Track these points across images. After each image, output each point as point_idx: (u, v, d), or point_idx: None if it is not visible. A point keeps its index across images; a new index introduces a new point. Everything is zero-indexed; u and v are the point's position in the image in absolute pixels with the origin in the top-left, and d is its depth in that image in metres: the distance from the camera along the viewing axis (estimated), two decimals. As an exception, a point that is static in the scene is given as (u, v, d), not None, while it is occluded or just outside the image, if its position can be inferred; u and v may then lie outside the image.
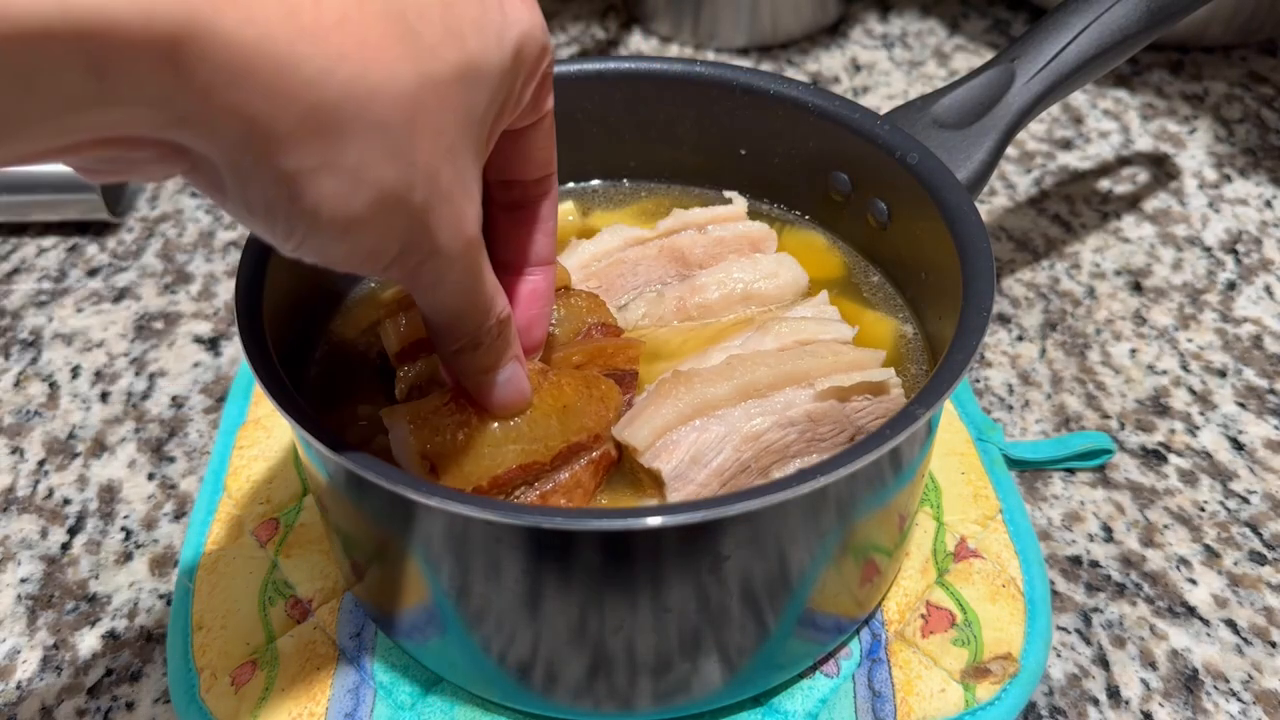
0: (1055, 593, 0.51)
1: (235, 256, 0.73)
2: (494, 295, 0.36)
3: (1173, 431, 0.59)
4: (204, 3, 0.22)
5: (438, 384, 0.45)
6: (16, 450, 0.60)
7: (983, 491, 0.54)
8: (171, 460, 0.59)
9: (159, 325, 0.68)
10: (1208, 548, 0.53)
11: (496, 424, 0.40)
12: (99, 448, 0.60)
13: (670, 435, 0.42)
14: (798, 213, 0.57)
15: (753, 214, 0.55)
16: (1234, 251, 0.71)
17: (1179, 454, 0.58)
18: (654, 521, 0.35)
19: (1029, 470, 0.57)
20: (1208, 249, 0.71)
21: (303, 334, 0.50)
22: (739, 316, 0.51)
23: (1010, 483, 0.54)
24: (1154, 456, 0.58)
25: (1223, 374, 0.62)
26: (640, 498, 0.43)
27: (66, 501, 0.57)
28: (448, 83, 0.28)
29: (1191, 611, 0.51)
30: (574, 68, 0.55)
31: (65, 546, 0.55)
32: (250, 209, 0.27)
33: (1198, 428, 0.59)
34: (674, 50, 0.94)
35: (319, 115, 0.25)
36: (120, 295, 0.70)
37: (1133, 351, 0.64)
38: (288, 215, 0.27)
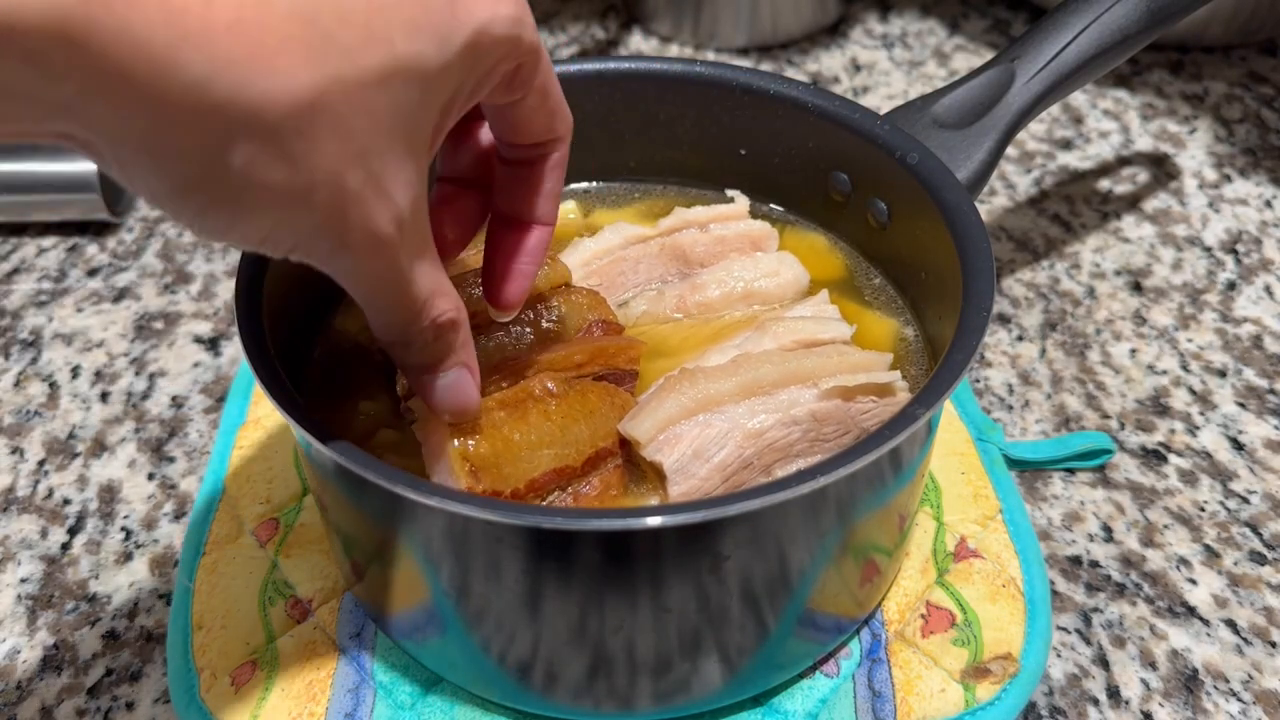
0: (1055, 593, 0.51)
1: (235, 256, 0.73)
2: (428, 298, 0.34)
3: (1173, 431, 0.59)
4: (92, 3, 0.22)
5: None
6: (16, 450, 0.60)
7: (983, 491, 0.54)
8: (171, 460, 0.59)
9: (159, 325, 0.68)
10: (1208, 548, 0.53)
11: (532, 429, 0.41)
12: (99, 448, 0.60)
13: (673, 429, 0.42)
14: (798, 213, 0.57)
15: (753, 214, 0.55)
16: (1234, 251, 0.71)
17: (1179, 454, 0.58)
18: (654, 521, 0.35)
19: (1029, 470, 0.57)
20: (1208, 249, 0.71)
21: (303, 333, 0.50)
22: (739, 315, 0.51)
23: (1010, 483, 0.54)
24: (1154, 456, 0.58)
25: (1223, 374, 0.62)
26: (644, 491, 0.44)
27: (66, 501, 0.57)
28: (364, 85, 0.28)
29: (1191, 611, 0.51)
30: (574, 68, 0.55)
31: (65, 546, 0.55)
32: (138, 191, 0.28)
33: (1198, 428, 0.59)
34: (674, 50, 0.94)
35: (201, 120, 0.25)
36: (120, 295, 0.70)
37: (1133, 351, 0.64)
38: (174, 206, 0.28)
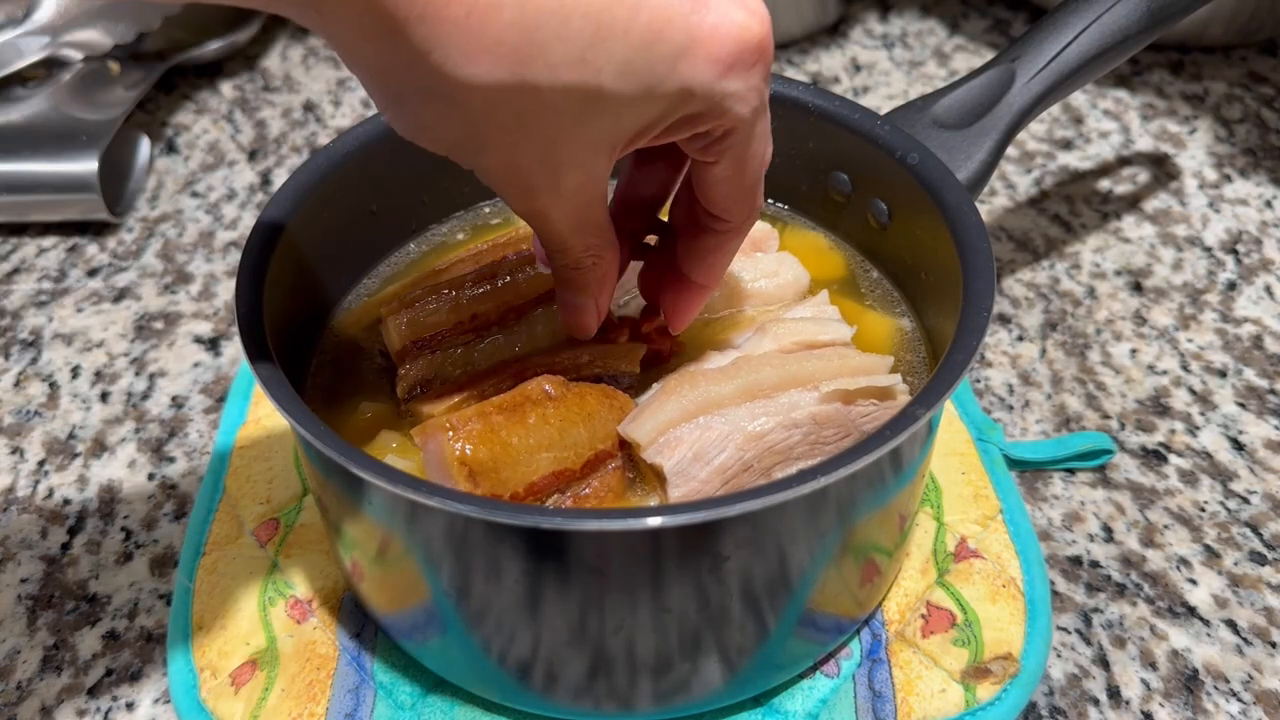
0: (1055, 593, 0.51)
1: (235, 256, 0.73)
2: (573, 247, 0.39)
3: (1173, 432, 0.59)
4: None
5: (439, 382, 0.46)
6: (16, 450, 0.60)
7: (983, 491, 0.54)
8: (171, 460, 0.59)
9: (159, 325, 0.68)
10: (1208, 548, 0.53)
11: (530, 433, 0.41)
12: (99, 448, 0.60)
13: (673, 432, 0.42)
14: (798, 213, 0.57)
15: (753, 214, 0.55)
16: (1234, 251, 0.71)
17: (1179, 454, 0.58)
18: (654, 522, 0.35)
19: (1029, 470, 0.57)
20: (1208, 249, 0.71)
21: (303, 333, 0.50)
22: (739, 315, 0.51)
23: (1010, 483, 0.54)
24: (1154, 457, 0.58)
25: (1223, 374, 0.62)
26: (643, 494, 0.44)
27: (66, 501, 0.57)
28: (556, 92, 0.31)
29: (1192, 612, 0.51)
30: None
31: (65, 546, 0.55)
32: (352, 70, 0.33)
33: (1198, 428, 0.59)
34: (674, 50, 0.94)
35: (409, 75, 0.31)
36: (120, 295, 0.70)
37: (1133, 351, 0.64)
38: (375, 101, 0.34)
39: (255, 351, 0.40)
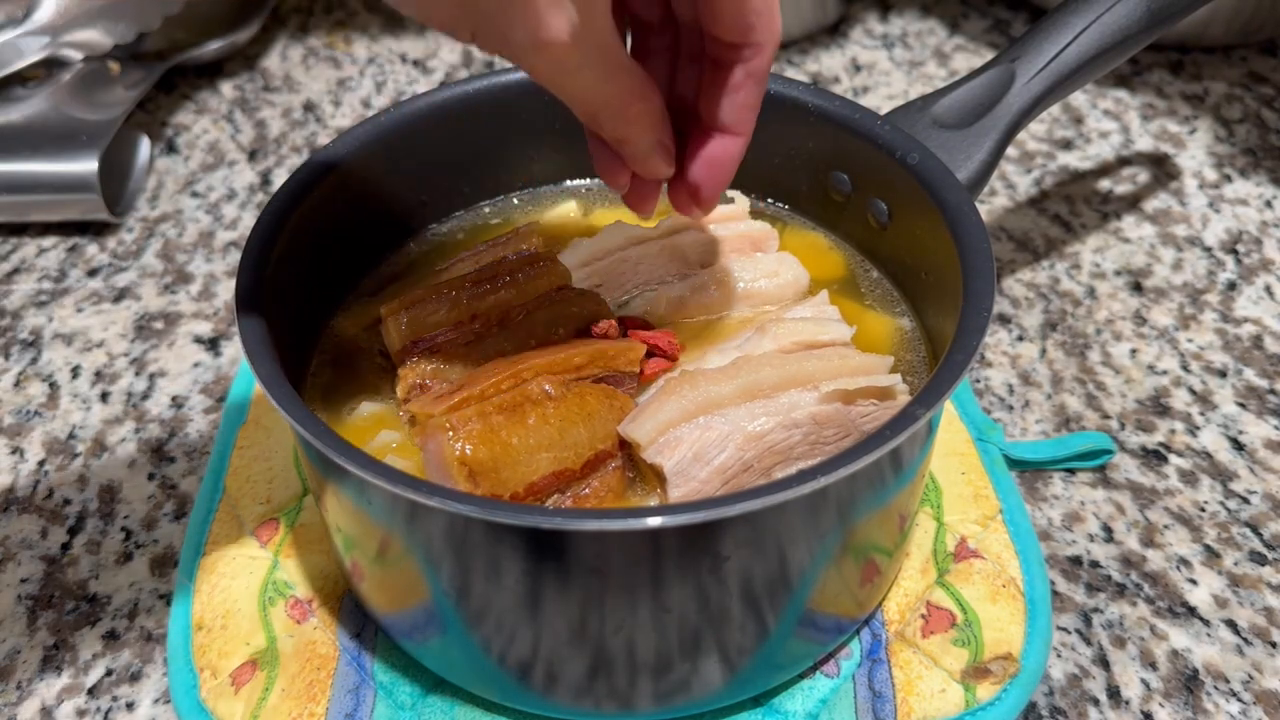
0: (1055, 593, 0.51)
1: (235, 256, 0.73)
2: (607, 95, 0.37)
3: (1173, 432, 0.59)
4: None
5: (439, 382, 0.46)
6: (16, 450, 0.60)
7: (983, 491, 0.54)
8: (171, 460, 0.59)
9: (159, 325, 0.68)
10: (1208, 548, 0.53)
11: (530, 433, 0.41)
12: (99, 448, 0.60)
13: (673, 432, 0.42)
14: (798, 213, 0.57)
15: (753, 213, 0.55)
16: (1234, 251, 0.71)
17: (1179, 454, 0.58)
18: (654, 521, 0.35)
19: (1029, 470, 0.57)
20: (1208, 249, 0.71)
21: (303, 333, 0.50)
22: (739, 315, 0.51)
23: (1010, 483, 0.54)
24: (1154, 457, 0.58)
25: (1223, 374, 0.62)
26: (643, 493, 0.44)
27: (66, 501, 0.57)
28: None
29: (1192, 612, 0.51)
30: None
31: (65, 546, 0.55)
32: None
33: (1198, 428, 0.59)
34: (674, 50, 0.94)
35: None
36: (120, 295, 0.70)
37: (1133, 351, 0.64)
38: None
39: (255, 351, 0.40)
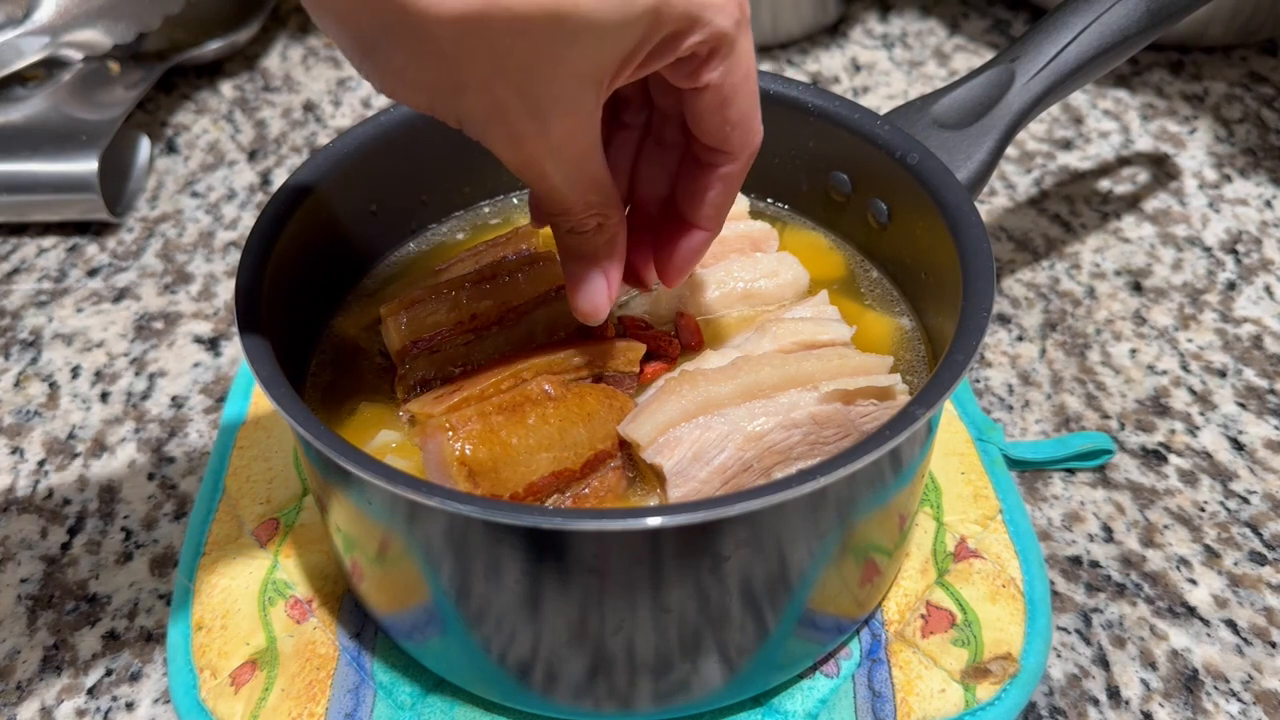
0: (1055, 593, 0.51)
1: (235, 256, 0.73)
2: (570, 202, 0.37)
3: (1173, 431, 0.59)
4: None
5: (439, 382, 0.46)
6: (16, 450, 0.60)
7: (983, 491, 0.54)
8: (171, 460, 0.59)
9: (159, 325, 0.68)
10: (1208, 548, 0.53)
11: (530, 433, 0.41)
12: (99, 448, 0.60)
13: (673, 432, 0.42)
14: (798, 213, 0.57)
15: (753, 213, 0.55)
16: (1234, 251, 0.71)
17: (1179, 454, 0.58)
18: (654, 521, 0.35)
19: (1029, 470, 0.57)
20: (1208, 249, 0.71)
21: (303, 333, 0.50)
22: (739, 315, 0.51)
23: (1010, 483, 0.54)
24: (1154, 457, 0.58)
25: (1223, 374, 0.62)
26: (643, 494, 0.44)
27: (66, 501, 0.57)
28: (531, 19, 0.30)
29: (1191, 612, 0.51)
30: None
31: (65, 546, 0.55)
32: (323, 31, 0.33)
33: (1198, 428, 0.59)
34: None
35: (377, 12, 0.30)
36: (120, 295, 0.70)
37: (1133, 351, 0.64)
38: (350, 59, 0.33)
39: (255, 351, 0.40)
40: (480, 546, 0.38)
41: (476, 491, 0.40)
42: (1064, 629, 0.50)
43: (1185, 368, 0.63)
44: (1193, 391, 0.61)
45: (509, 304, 0.47)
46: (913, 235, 0.50)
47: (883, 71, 0.90)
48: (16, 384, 0.64)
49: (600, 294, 0.41)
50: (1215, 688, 0.48)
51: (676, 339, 0.49)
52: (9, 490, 0.58)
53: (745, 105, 0.37)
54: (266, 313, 0.43)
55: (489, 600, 0.40)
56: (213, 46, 0.90)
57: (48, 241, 0.75)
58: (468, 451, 0.40)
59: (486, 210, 0.58)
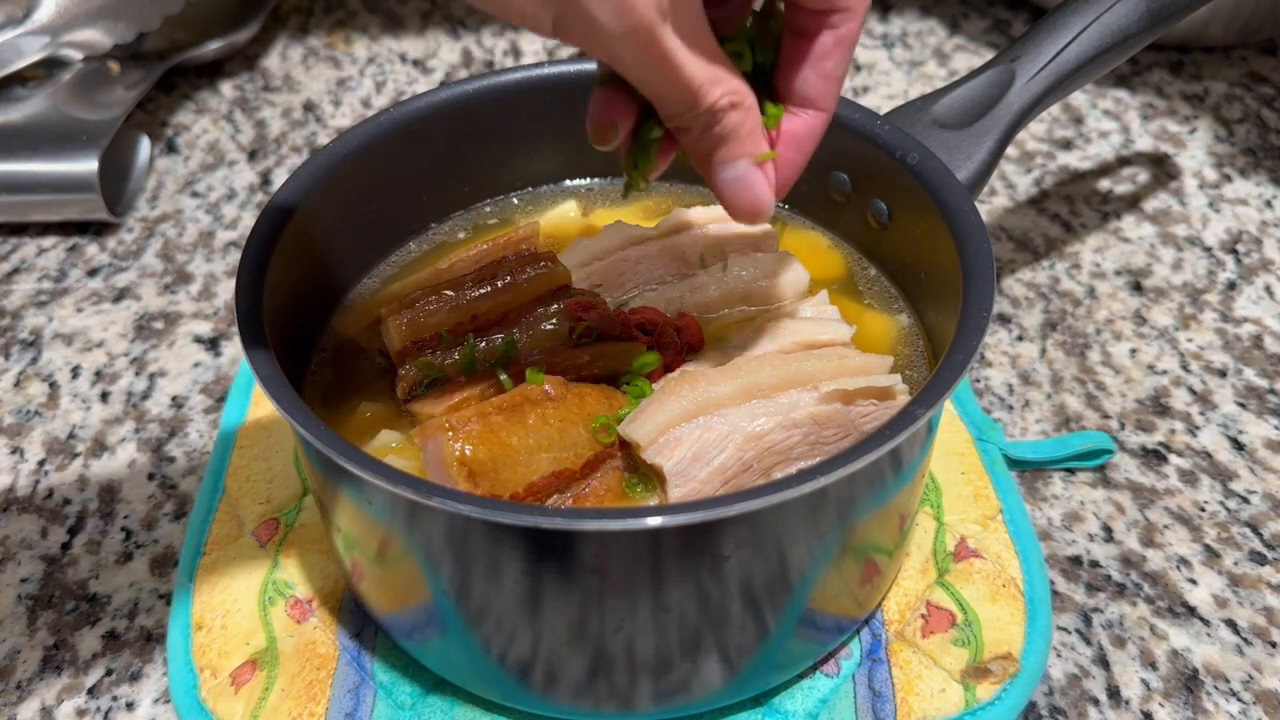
0: (1055, 593, 0.51)
1: (235, 256, 0.73)
2: (699, 85, 0.34)
3: (1173, 431, 0.59)
4: None
5: (439, 383, 0.46)
6: (16, 450, 0.60)
7: (983, 491, 0.54)
8: (171, 460, 0.59)
9: (159, 325, 0.68)
10: (1208, 548, 0.53)
11: (530, 433, 0.41)
12: (99, 448, 0.60)
13: (673, 432, 0.42)
14: (798, 212, 0.57)
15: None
16: (1234, 251, 0.71)
17: (1179, 454, 0.58)
18: (654, 522, 0.35)
19: (1029, 470, 0.57)
20: (1208, 249, 0.71)
21: (303, 333, 0.50)
22: (739, 315, 0.51)
23: (1010, 483, 0.54)
24: (1154, 456, 0.58)
25: (1223, 374, 0.62)
26: (643, 494, 0.44)
27: (66, 501, 0.57)
28: None
29: (1191, 611, 0.51)
30: (575, 68, 0.55)
31: (65, 546, 0.55)
32: None
33: (1198, 428, 0.59)
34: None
35: None
36: (120, 295, 0.70)
37: (1133, 351, 0.64)
38: None
39: (255, 351, 0.40)
40: (480, 546, 0.38)
41: (476, 491, 0.40)
42: (1064, 629, 0.50)
43: (1185, 367, 0.63)
44: (1193, 391, 0.61)
45: (509, 304, 0.47)
46: (913, 235, 0.50)
47: (883, 71, 0.90)
48: (16, 384, 0.64)
49: (759, 184, 0.37)
50: (1215, 687, 0.48)
51: (679, 335, 0.49)
52: (9, 490, 0.58)
53: None
54: (267, 313, 0.43)
55: (489, 600, 0.40)
56: (213, 46, 0.90)
57: (48, 241, 0.75)
58: (468, 452, 0.40)
59: (486, 210, 0.58)
